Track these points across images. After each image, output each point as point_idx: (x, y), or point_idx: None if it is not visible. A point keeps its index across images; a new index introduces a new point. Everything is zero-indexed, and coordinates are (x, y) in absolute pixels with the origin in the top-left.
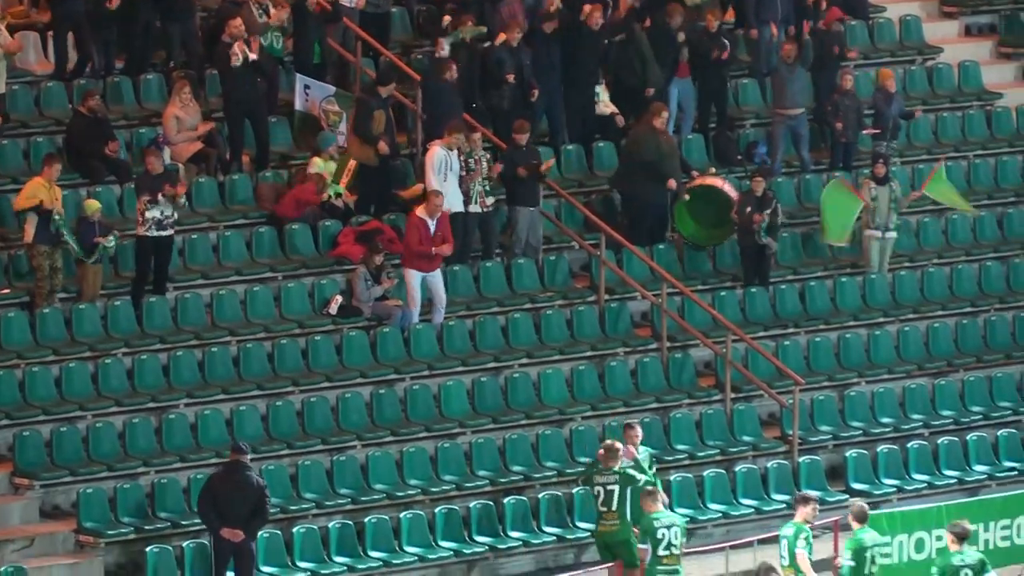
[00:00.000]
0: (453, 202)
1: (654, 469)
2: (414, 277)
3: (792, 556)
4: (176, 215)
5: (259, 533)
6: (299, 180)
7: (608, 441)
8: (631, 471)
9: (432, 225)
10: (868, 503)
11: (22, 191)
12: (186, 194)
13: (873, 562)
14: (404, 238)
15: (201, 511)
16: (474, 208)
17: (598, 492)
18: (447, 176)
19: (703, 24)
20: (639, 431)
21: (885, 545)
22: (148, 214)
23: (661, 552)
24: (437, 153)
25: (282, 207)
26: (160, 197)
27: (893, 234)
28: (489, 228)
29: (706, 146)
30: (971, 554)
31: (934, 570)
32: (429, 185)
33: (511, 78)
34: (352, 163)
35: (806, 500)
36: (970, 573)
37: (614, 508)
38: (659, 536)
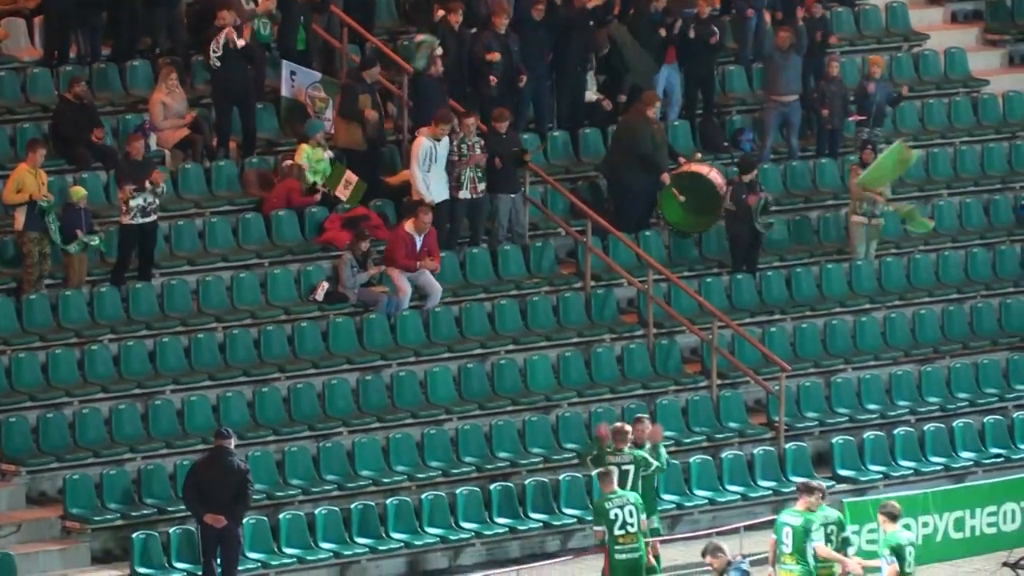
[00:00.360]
0: (437, 192)
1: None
2: (399, 274)
3: (798, 546)
4: (158, 201)
5: (244, 519)
6: (281, 173)
7: (618, 424)
8: (646, 455)
9: (419, 241)
10: (854, 489)
11: (9, 181)
12: (172, 180)
13: (829, 540)
14: (389, 247)
15: (185, 498)
16: (464, 194)
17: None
18: (431, 167)
19: (694, 10)
20: (648, 424)
21: (838, 523)
22: (132, 203)
23: (617, 532)
24: (423, 144)
25: (270, 203)
26: (146, 184)
27: (880, 220)
28: (477, 214)
29: (692, 132)
30: (906, 533)
31: (886, 551)
32: (412, 174)
33: (494, 81)
34: (351, 176)
35: (810, 489)
36: (912, 551)
37: (627, 489)
38: (612, 516)
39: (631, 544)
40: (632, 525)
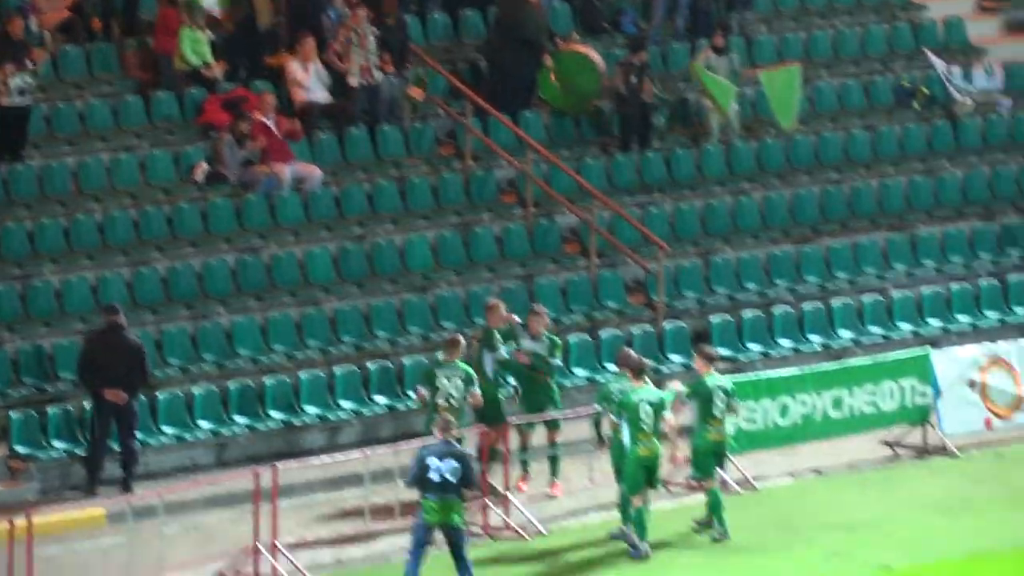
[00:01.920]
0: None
1: (558, 358)
2: (284, 169)
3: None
4: (34, 82)
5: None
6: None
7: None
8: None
9: (272, 123)
10: (733, 368)
11: None
12: (52, 62)
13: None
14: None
15: (81, 374)
16: (356, 81)
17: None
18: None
19: None
20: (545, 318)
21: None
22: (12, 83)
23: (439, 402)
24: (295, 68)
25: (157, 43)
26: (27, 63)
27: (735, 106)
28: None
29: (572, 14)
30: (651, 390)
31: (615, 407)
32: (293, 91)
33: None
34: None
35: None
36: (649, 408)
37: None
38: (438, 385)
39: (449, 416)
40: (455, 400)
